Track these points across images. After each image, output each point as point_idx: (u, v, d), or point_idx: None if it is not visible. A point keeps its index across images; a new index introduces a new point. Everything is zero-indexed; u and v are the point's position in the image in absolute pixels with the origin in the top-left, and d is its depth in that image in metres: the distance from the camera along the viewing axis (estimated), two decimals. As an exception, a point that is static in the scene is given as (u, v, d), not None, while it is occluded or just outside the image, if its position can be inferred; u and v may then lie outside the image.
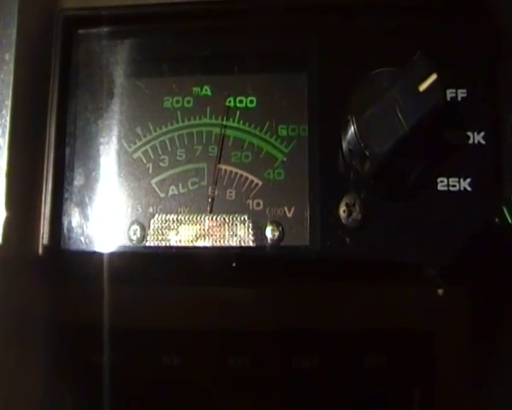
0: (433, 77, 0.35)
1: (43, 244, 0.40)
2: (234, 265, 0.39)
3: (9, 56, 0.39)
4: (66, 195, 0.42)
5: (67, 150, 0.42)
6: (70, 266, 0.41)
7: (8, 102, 0.39)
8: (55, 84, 0.42)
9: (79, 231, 0.42)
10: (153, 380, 0.41)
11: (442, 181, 0.39)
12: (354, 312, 0.40)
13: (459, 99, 0.39)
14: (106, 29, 0.43)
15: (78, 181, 0.42)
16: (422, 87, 0.35)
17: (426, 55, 0.36)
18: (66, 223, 0.42)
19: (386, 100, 0.35)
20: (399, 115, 0.35)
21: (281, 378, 0.40)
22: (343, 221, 0.39)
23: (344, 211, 0.39)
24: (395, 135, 0.35)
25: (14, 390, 0.39)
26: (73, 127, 0.43)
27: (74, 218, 0.42)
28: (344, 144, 0.39)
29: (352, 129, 0.36)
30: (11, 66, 0.39)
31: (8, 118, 0.39)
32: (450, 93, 0.39)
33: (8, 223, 0.38)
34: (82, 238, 0.42)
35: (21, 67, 0.40)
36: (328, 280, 0.40)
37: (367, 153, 0.35)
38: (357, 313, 0.40)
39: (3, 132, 0.39)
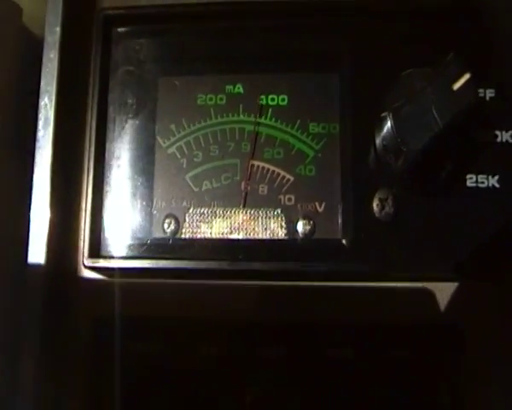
0: (467, 76, 0.36)
1: (84, 238, 0.42)
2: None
3: (54, 54, 0.40)
4: (106, 188, 0.43)
5: (107, 145, 0.43)
6: (109, 258, 0.42)
7: (53, 97, 0.40)
8: (96, 80, 0.43)
9: (117, 223, 0.43)
10: (190, 369, 0.42)
11: (471, 178, 0.40)
12: (384, 305, 0.41)
13: (487, 99, 0.41)
14: (143, 27, 0.45)
15: (116, 175, 0.43)
16: (456, 86, 0.36)
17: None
18: (105, 216, 0.43)
19: (421, 98, 0.36)
20: (434, 113, 0.36)
21: (316, 369, 0.41)
22: (376, 215, 0.40)
23: (377, 205, 0.40)
24: (430, 132, 0.36)
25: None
26: (112, 123, 0.44)
27: (113, 211, 0.43)
28: (378, 141, 0.40)
29: (388, 125, 0.38)
30: (55, 63, 0.41)
31: (52, 112, 0.40)
32: (478, 93, 0.40)
33: (54, 218, 0.40)
34: (119, 230, 0.43)
35: (65, 64, 0.41)
36: (359, 272, 0.41)
37: (403, 148, 0.37)
38: (387, 307, 0.41)
39: (47, 125, 0.40)
